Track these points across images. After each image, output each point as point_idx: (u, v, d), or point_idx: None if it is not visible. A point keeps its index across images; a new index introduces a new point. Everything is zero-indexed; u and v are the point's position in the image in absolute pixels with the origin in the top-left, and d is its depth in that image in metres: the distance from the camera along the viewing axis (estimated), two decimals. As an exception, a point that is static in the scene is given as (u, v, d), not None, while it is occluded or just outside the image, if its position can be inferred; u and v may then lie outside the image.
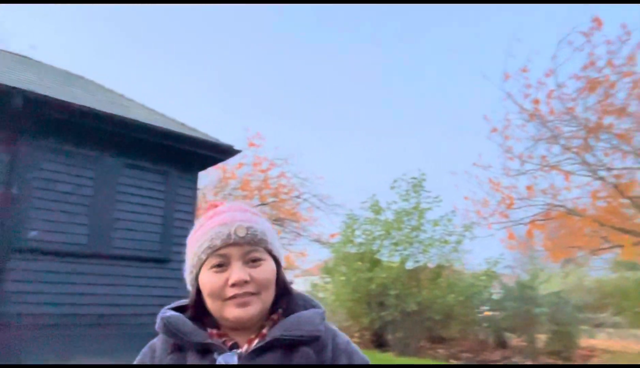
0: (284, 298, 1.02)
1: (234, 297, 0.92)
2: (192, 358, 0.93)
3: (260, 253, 0.96)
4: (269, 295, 0.96)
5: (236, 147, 7.99)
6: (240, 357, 0.92)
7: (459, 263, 10.73)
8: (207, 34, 39.44)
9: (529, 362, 9.56)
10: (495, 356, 10.24)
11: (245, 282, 0.92)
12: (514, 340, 10.67)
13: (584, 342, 11.89)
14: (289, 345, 0.92)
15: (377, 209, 10.28)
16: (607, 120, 11.53)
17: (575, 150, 11.92)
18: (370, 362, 1.02)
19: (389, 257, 10.29)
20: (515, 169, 12.47)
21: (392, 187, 10.10)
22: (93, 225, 6.81)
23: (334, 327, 1.03)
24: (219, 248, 0.94)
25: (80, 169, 6.81)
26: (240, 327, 0.96)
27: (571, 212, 12.14)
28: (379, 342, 10.55)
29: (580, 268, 17.30)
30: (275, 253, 0.99)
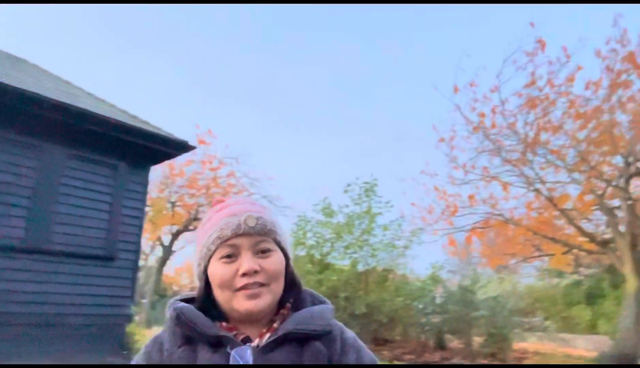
0: (292, 292, 1.02)
1: (244, 287, 0.92)
2: (203, 352, 0.92)
3: (270, 244, 0.96)
4: (278, 287, 0.96)
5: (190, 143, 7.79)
6: (253, 350, 0.92)
7: (403, 267, 11.06)
8: (162, 28, 38.24)
9: (467, 363, 9.99)
10: (436, 357, 10.62)
11: (256, 272, 0.92)
12: (454, 342, 11.12)
13: (517, 344, 12.58)
14: (301, 339, 0.93)
15: (329, 212, 10.39)
16: (544, 136, 12.34)
17: (514, 163, 12.64)
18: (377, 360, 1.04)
19: (340, 260, 10.45)
20: (460, 178, 13.07)
21: (346, 191, 10.26)
22: (32, 219, 6.41)
23: (340, 323, 1.05)
24: (229, 239, 0.94)
25: (22, 158, 6.40)
26: (250, 319, 0.96)
27: (508, 221, 12.84)
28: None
29: (513, 274, 18.34)
30: (284, 245, 1.00)
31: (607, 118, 11.28)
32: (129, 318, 7.25)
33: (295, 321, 0.94)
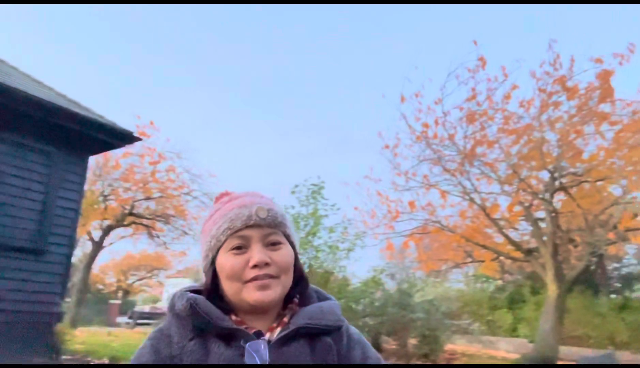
0: (299, 287, 1.02)
1: (254, 279, 0.90)
2: (215, 344, 0.89)
3: (279, 237, 0.95)
4: (288, 280, 0.95)
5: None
6: (266, 344, 0.90)
7: (344, 270, 11.20)
8: (107, 13, 36.23)
9: (402, 363, 10.31)
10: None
11: (266, 264, 0.91)
12: (389, 343, 11.43)
13: (446, 346, 13.16)
14: (312, 334, 0.93)
15: (275, 213, 10.29)
16: (480, 149, 13.03)
17: (452, 172, 13.24)
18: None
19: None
20: (401, 185, 13.49)
21: (293, 192, 10.24)
22: (-46, 206, 5.82)
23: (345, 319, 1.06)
24: (239, 230, 0.92)
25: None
26: (259, 311, 0.94)
27: (444, 228, 13.42)
28: (264, 345, 10.53)
29: (446, 279, 19.20)
30: (292, 239, 0.99)
31: (538, 135, 12.11)
32: (59, 316, 6.78)
33: (307, 316, 0.94)
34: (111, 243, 18.17)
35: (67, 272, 7.03)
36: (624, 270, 18.56)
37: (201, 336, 0.90)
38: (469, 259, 15.12)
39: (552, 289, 12.68)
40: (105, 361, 8.20)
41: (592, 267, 16.54)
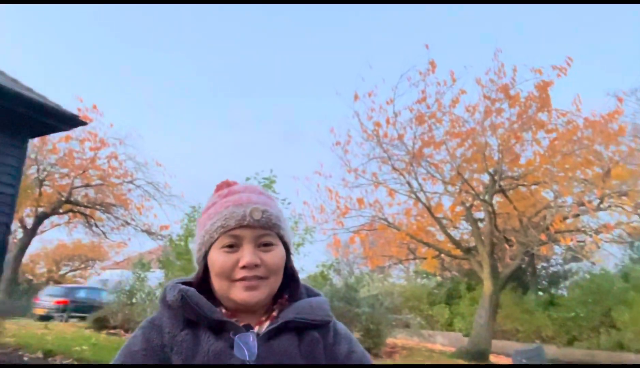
0: (291, 285, 1.03)
1: (242, 279, 0.92)
2: (205, 336, 0.91)
3: (272, 238, 0.96)
4: (277, 281, 0.97)
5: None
6: (255, 336, 0.92)
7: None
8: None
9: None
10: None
11: (256, 266, 0.92)
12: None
13: (388, 340, 13.55)
14: (300, 328, 0.95)
15: (226, 205, 10.13)
16: (427, 150, 13.49)
17: (400, 171, 13.61)
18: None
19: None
20: (351, 181, 13.71)
21: (244, 185, 10.09)
22: None
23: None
24: (232, 229, 0.93)
25: None
26: (245, 309, 0.96)
27: (391, 226, 13.79)
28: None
29: (389, 275, 19.74)
30: (286, 239, 1.00)
31: (482, 140, 12.70)
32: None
33: (296, 310, 0.96)
34: (43, 231, 17.17)
35: (1, 261, 6.58)
36: (552, 269, 19.88)
37: (192, 327, 0.91)
38: (412, 256, 15.64)
39: (487, 286, 13.39)
40: (40, 355, 7.76)
41: (524, 266, 17.59)
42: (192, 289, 0.93)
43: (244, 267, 0.90)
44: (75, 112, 12.55)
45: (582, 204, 12.54)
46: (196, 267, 1.00)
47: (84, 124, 7.09)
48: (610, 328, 15.42)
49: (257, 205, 0.94)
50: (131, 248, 20.45)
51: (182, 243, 10.11)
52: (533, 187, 13.41)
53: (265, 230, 0.94)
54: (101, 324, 13.38)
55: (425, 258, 15.06)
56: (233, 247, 0.92)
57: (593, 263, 17.19)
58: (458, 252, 14.38)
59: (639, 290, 15.22)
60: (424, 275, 20.97)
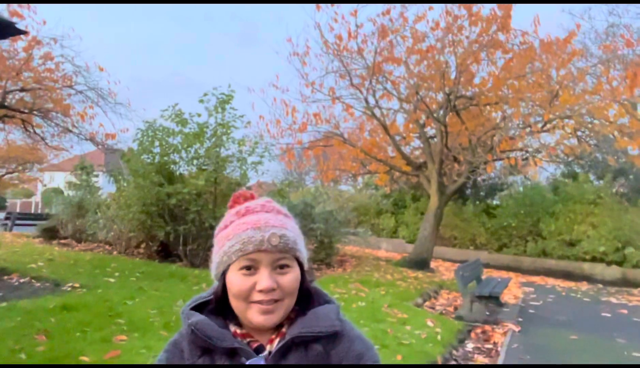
0: (303, 298, 1.06)
1: (259, 302, 0.97)
2: (221, 361, 0.98)
3: (289, 260, 1.00)
4: (292, 302, 1.02)
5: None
6: (266, 359, 0.98)
7: (247, 182, 11.23)
8: None
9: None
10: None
11: (273, 289, 0.97)
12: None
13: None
14: (307, 341, 1.00)
15: (182, 121, 9.75)
16: (388, 67, 13.32)
17: (358, 86, 13.47)
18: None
19: (186, 170, 10.11)
20: (309, 96, 13.46)
21: (201, 101, 9.67)
22: None
23: (348, 320, 1.09)
24: (250, 253, 0.97)
25: None
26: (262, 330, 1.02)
27: (347, 142, 13.93)
28: (166, 254, 10.54)
29: (339, 188, 20.32)
30: (302, 260, 1.04)
31: (441, 58, 12.64)
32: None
33: (302, 325, 1.00)
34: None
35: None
36: (490, 181, 21.17)
37: (208, 353, 0.99)
38: (364, 170, 16.07)
39: (433, 201, 14.18)
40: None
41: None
42: (201, 319, 1.00)
43: (260, 291, 0.95)
44: (3, 7, 11.14)
45: (529, 126, 13.14)
46: (215, 282, 1.05)
47: (24, 33, 6.34)
48: (537, 236, 17.02)
49: (275, 230, 0.97)
50: (71, 152, 19.46)
51: (137, 160, 9.76)
52: (487, 107, 13.76)
53: (282, 253, 0.97)
54: (51, 235, 13.15)
55: (377, 173, 15.54)
56: (250, 268, 0.96)
57: (528, 179, 18.49)
58: (409, 169, 14.91)
59: (565, 203, 16.68)
60: (373, 187, 21.77)
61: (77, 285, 6.96)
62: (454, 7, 12.58)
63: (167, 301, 6.14)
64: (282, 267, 0.97)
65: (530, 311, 9.03)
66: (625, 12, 22.36)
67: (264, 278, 0.95)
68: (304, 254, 1.04)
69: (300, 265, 1.02)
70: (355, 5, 11.98)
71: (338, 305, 1.07)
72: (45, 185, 40.32)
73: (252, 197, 1.08)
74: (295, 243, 1.00)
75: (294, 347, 0.97)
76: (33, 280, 7.39)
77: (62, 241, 12.93)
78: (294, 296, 1.00)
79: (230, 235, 0.99)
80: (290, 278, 0.98)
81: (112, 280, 7.58)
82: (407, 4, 12.29)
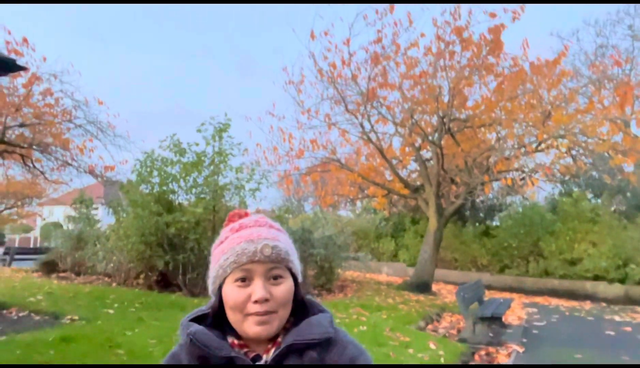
0: (298, 310, 1.10)
1: (255, 314, 1.00)
2: None
3: (282, 271, 1.04)
4: (286, 313, 1.05)
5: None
6: None
7: (243, 207, 11.28)
8: None
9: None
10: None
11: (267, 300, 1.00)
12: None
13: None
14: (302, 349, 1.03)
15: (181, 151, 9.85)
16: (382, 92, 13.54)
17: (353, 112, 13.65)
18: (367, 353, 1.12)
19: (185, 199, 10.17)
20: (305, 123, 13.64)
21: (199, 130, 9.80)
22: None
23: (342, 329, 1.13)
24: (244, 264, 1.01)
25: None
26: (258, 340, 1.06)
27: (344, 167, 14.03)
28: (165, 283, 10.49)
29: (338, 214, 20.33)
30: (294, 271, 1.08)
31: (434, 82, 12.87)
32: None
33: (295, 333, 1.04)
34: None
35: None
36: (488, 202, 21.22)
37: (207, 363, 1.01)
38: (362, 195, 16.13)
39: (432, 223, 14.19)
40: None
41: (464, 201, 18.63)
42: (200, 329, 1.02)
43: (255, 302, 0.99)
44: (2, 46, 11.39)
45: (523, 146, 13.27)
46: (212, 296, 1.08)
47: (23, 69, 6.49)
48: (538, 256, 16.97)
49: (267, 241, 1.02)
50: (70, 185, 19.49)
51: (136, 190, 9.82)
52: (480, 129, 13.92)
53: (275, 263, 1.01)
54: (50, 268, 13.09)
55: (375, 197, 15.59)
56: (245, 280, 1.00)
57: (526, 199, 18.53)
58: (406, 191, 14.97)
59: (564, 222, 16.68)
60: (372, 211, 21.78)
61: (76, 317, 6.92)
62: (445, 33, 12.89)
63: (167, 331, 6.10)
64: (275, 278, 1.01)
65: (534, 331, 8.94)
66: (612, 33, 22.91)
67: (258, 289, 0.98)
68: (297, 266, 1.07)
69: (295, 278, 1.06)
70: (347, 33, 12.25)
71: (331, 314, 1.10)
72: (44, 220, 40.24)
73: (246, 215, 1.13)
74: (288, 254, 1.04)
75: (290, 354, 1.00)
76: (32, 314, 7.35)
77: (61, 274, 12.86)
78: (287, 307, 1.03)
79: (226, 249, 1.03)
80: (283, 289, 1.01)
81: (111, 311, 7.54)
82: (399, 32, 12.55)
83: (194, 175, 10.25)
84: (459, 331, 8.36)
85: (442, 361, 5.84)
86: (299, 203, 18.52)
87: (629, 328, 9.61)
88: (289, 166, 13.57)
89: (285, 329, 1.05)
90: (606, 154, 13.84)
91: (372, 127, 13.89)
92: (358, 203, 20.85)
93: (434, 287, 14.48)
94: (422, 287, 13.42)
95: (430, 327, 8.69)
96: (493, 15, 12.28)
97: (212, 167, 10.13)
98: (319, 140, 13.83)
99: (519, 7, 12.20)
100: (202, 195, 10.10)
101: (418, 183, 15.45)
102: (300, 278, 1.08)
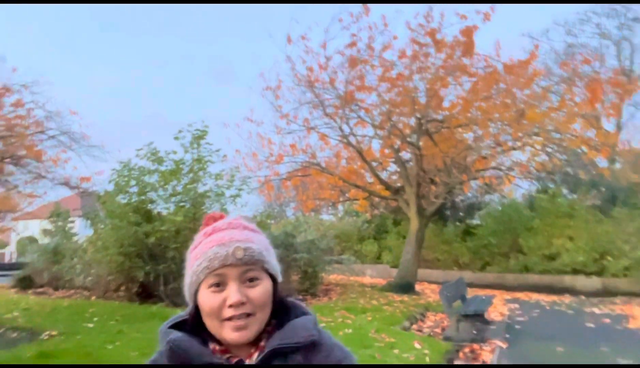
0: (280, 312, 1.08)
1: (231, 318, 0.97)
2: None
3: (257, 273, 1.00)
4: (264, 315, 1.02)
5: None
6: None
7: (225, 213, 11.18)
8: None
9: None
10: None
11: (242, 304, 0.97)
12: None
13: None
14: (286, 353, 1.00)
15: (158, 159, 9.71)
16: (360, 95, 13.61)
17: (332, 116, 13.69)
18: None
19: (165, 208, 10.03)
20: (284, 128, 13.61)
21: (177, 138, 9.68)
22: None
23: (326, 331, 1.11)
24: (217, 269, 0.98)
25: None
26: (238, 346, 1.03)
27: (325, 171, 14.04)
28: (147, 295, 10.30)
29: (319, 218, 20.32)
30: (272, 271, 1.05)
31: (410, 84, 13.00)
32: None
33: (279, 337, 1.01)
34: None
35: None
36: (468, 201, 21.49)
37: None
38: (343, 198, 16.16)
39: (414, 224, 14.30)
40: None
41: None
42: (180, 336, 0.99)
43: (230, 306, 0.95)
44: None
45: (499, 145, 13.50)
46: (189, 303, 1.04)
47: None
48: (518, 253, 17.24)
49: (239, 244, 0.98)
50: (46, 198, 19.04)
51: (113, 199, 9.64)
52: (457, 129, 14.10)
53: (248, 266, 0.98)
54: (27, 284, 12.75)
55: (356, 200, 15.64)
56: (219, 285, 0.97)
57: (504, 197, 18.84)
58: (387, 193, 15.06)
59: (542, 218, 17.00)
60: (354, 214, 21.84)
61: (54, 332, 6.74)
62: (419, 36, 13.04)
63: (149, 342, 5.98)
64: (251, 280, 0.97)
65: (517, 327, 9.07)
66: (581, 32, 23.54)
67: (232, 293, 0.95)
68: (275, 267, 1.04)
69: (273, 278, 1.02)
70: (324, 37, 12.30)
71: (315, 316, 1.07)
72: (19, 234, 39.17)
73: (221, 217, 1.09)
74: (262, 255, 1.00)
75: (274, 358, 0.97)
76: (8, 331, 7.14)
77: (39, 290, 12.53)
78: (265, 309, 1.00)
79: (199, 254, 1.00)
80: (260, 290, 0.98)
81: (91, 325, 7.37)
82: (374, 36, 12.66)
83: (173, 184, 10.12)
84: (443, 329, 8.42)
85: (427, 360, 5.86)
86: (281, 209, 18.47)
87: (607, 320, 9.82)
88: (269, 172, 13.53)
89: (268, 332, 1.02)
90: (580, 150, 14.17)
91: (351, 130, 13.96)
92: (340, 206, 20.89)
93: (418, 287, 14.56)
94: (406, 287, 13.49)
95: (415, 326, 8.73)
96: (464, 17, 12.49)
97: (191, 175, 10.02)
98: (299, 144, 13.84)
99: (489, 8, 12.42)
100: (182, 204, 9.98)
101: (398, 184, 15.55)
102: (279, 279, 1.05)
